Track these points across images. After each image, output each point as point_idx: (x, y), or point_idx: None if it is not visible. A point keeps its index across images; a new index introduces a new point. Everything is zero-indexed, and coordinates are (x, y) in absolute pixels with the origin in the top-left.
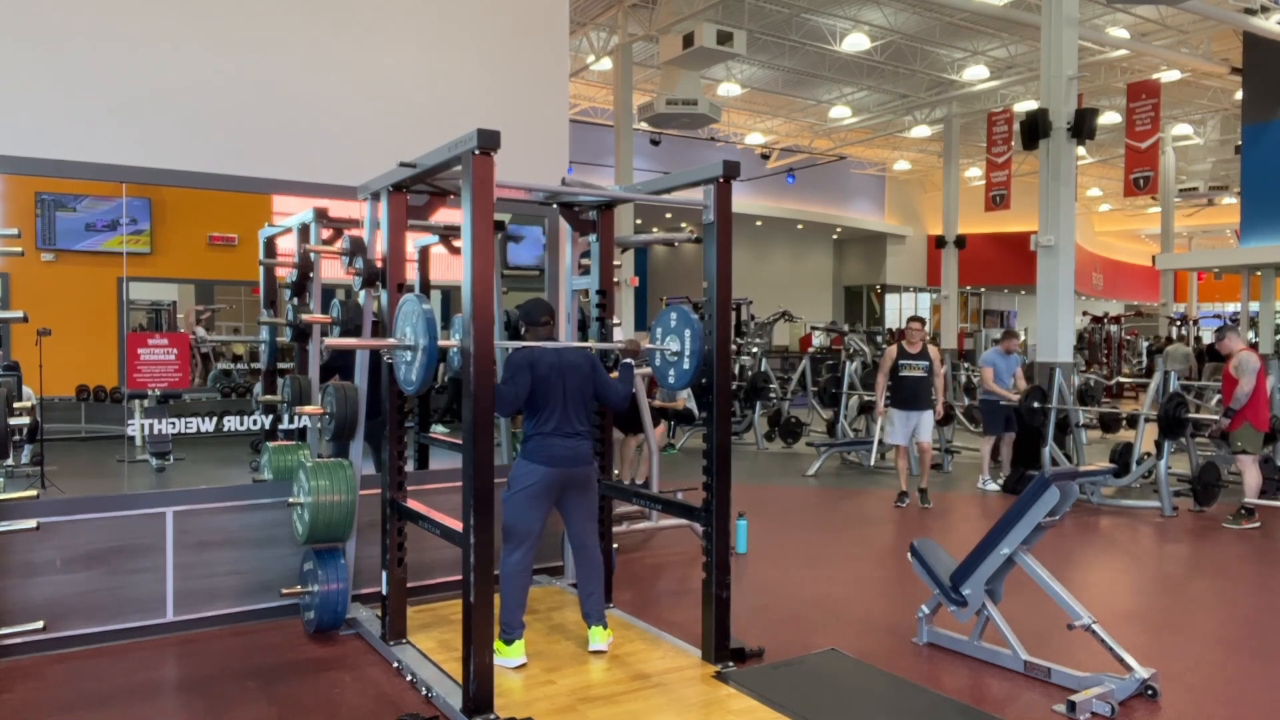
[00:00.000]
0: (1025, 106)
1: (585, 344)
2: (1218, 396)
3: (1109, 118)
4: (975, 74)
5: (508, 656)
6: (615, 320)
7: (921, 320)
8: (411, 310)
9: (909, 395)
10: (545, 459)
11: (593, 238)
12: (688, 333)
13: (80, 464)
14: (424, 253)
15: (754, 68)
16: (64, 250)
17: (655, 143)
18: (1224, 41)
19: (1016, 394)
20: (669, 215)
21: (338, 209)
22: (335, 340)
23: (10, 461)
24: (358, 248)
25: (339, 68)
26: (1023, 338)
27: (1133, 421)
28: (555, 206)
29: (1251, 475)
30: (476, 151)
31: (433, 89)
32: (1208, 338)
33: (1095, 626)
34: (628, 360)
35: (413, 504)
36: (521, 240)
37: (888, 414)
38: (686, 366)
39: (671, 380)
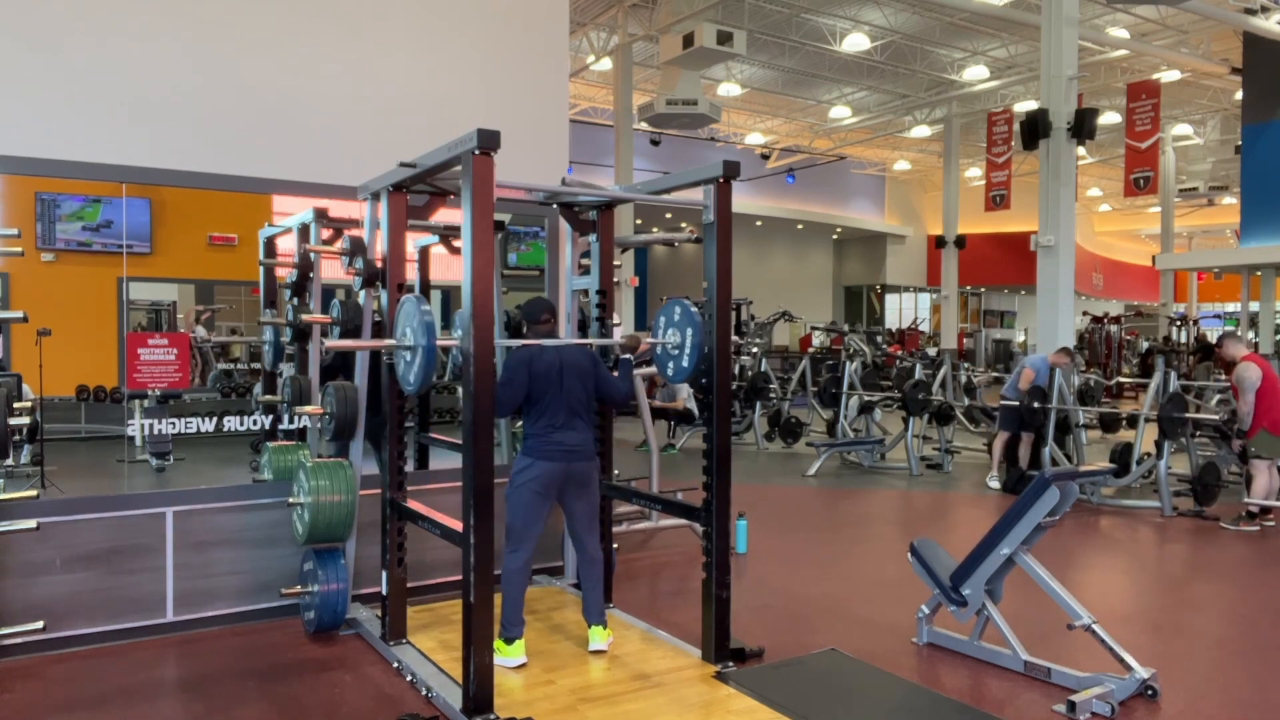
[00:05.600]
0: (1025, 106)
1: (586, 340)
2: (1219, 397)
3: (1109, 118)
4: (975, 74)
5: (508, 656)
6: (615, 320)
7: None
8: (411, 311)
9: None
10: (545, 454)
11: (593, 238)
12: (689, 330)
13: (80, 464)
14: (424, 253)
15: (754, 68)
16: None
17: (655, 143)
18: (1224, 41)
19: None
20: (669, 215)
21: (338, 209)
22: (335, 341)
23: (10, 461)
24: (358, 248)
25: (339, 68)
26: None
27: (1133, 421)
28: (555, 206)
29: (1261, 479)
30: (476, 151)
31: (433, 89)
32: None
33: (1095, 626)
34: (626, 356)
35: (413, 504)
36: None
37: None
38: (685, 364)
39: (670, 373)
